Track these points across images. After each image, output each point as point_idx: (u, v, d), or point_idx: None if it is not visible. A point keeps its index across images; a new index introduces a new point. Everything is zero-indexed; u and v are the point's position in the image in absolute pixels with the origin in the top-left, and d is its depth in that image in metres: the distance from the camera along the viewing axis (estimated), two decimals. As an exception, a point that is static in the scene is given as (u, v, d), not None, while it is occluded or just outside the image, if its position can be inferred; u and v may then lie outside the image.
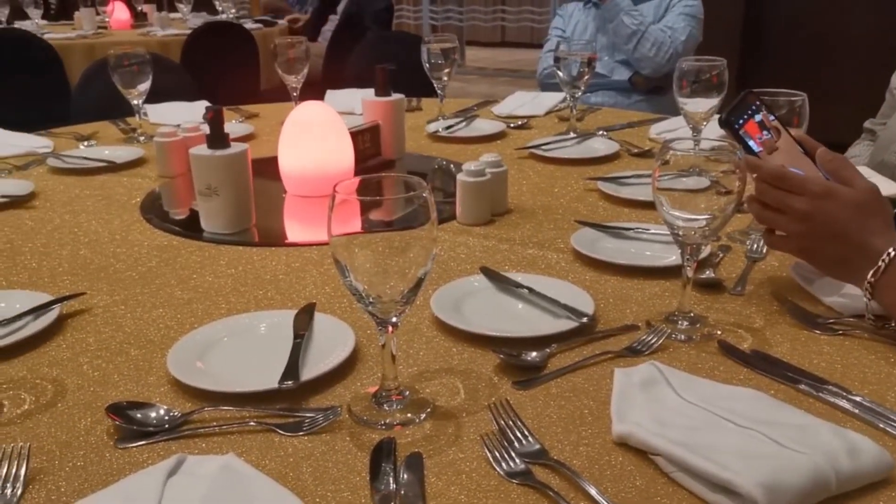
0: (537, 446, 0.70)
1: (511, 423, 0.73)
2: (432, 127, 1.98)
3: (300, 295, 1.05)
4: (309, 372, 0.81)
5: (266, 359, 0.86)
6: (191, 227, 1.32)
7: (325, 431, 0.74)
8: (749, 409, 0.71)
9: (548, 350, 0.86)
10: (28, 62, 3.25)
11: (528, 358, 0.84)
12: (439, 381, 0.83)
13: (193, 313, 1.00)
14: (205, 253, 1.21)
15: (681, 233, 0.88)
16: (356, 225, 0.73)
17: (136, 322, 0.98)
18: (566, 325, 0.90)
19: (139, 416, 0.75)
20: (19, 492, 0.64)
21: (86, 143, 1.88)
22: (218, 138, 1.26)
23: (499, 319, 0.94)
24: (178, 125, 1.65)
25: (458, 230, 1.27)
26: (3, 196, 1.44)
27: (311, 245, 1.24)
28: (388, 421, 0.75)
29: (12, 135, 1.90)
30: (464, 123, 2.01)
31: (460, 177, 1.29)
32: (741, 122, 0.98)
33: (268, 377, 0.80)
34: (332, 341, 0.88)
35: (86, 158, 1.71)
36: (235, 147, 1.27)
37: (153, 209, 1.43)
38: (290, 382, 0.78)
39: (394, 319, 0.75)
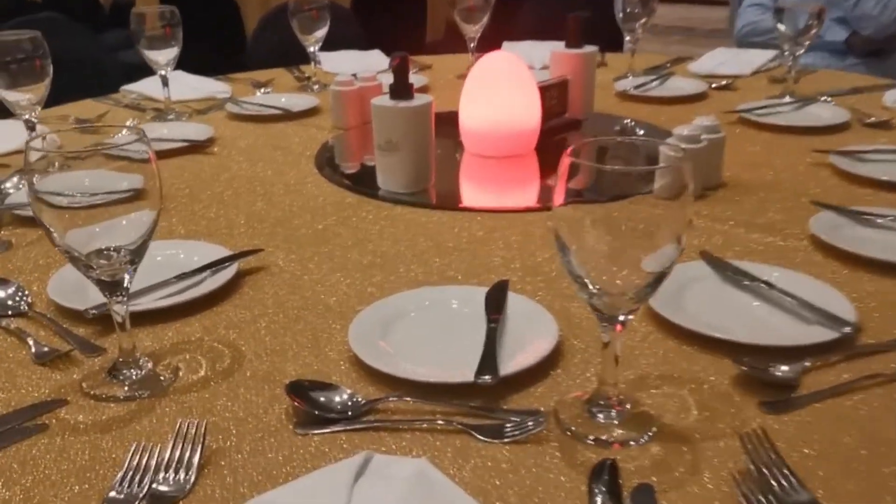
0: (806, 496, 0.55)
1: (769, 459, 0.58)
2: (621, 85, 1.79)
3: (486, 268, 0.93)
4: (508, 365, 0.69)
5: (456, 343, 0.75)
6: (366, 184, 1.24)
7: (531, 441, 0.62)
8: None
9: (802, 365, 0.69)
10: (206, 7, 3.33)
11: (779, 373, 0.68)
12: (663, 392, 0.69)
13: (373, 281, 0.91)
14: (381, 213, 1.12)
15: None
16: (586, 196, 0.60)
17: (314, 286, 0.90)
18: (822, 334, 0.73)
19: (322, 399, 0.66)
20: (192, 478, 0.57)
21: (262, 90, 1.85)
22: (402, 88, 1.16)
23: (732, 319, 0.78)
24: (355, 75, 1.58)
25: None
26: (184, 140, 1.43)
27: (495, 211, 1.12)
28: (604, 437, 0.62)
29: (193, 78, 1.91)
30: (657, 82, 1.82)
31: (670, 142, 1.12)
32: None
33: (460, 366, 0.70)
34: (530, 329, 0.76)
35: (262, 105, 1.67)
36: (419, 99, 1.17)
37: (327, 162, 1.36)
38: (487, 377, 0.66)
39: (621, 318, 0.61)
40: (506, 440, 0.62)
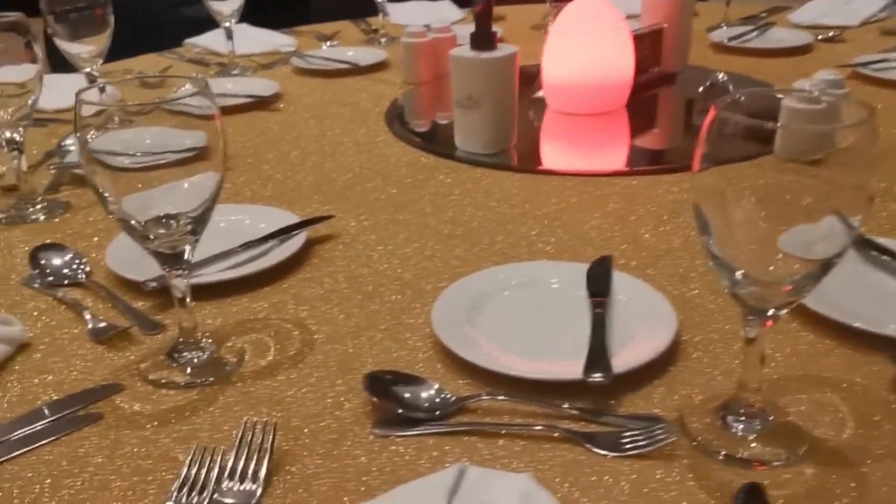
0: None
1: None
2: (717, 35, 1.64)
3: (582, 240, 0.83)
4: (621, 360, 0.59)
5: (556, 330, 0.65)
6: (442, 143, 1.14)
7: (655, 455, 0.52)
8: None
9: (983, 371, 0.57)
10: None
11: (956, 380, 0.57)
12: (809, 399, 0.58)
13: (454, 253, 0.81)
14: (460, 175, 1.02)
15: None
16: (737, 161, 0.49)
17: (389, 258, 0.81)
18: None
19: (406, 395, 0.57)
20: (259, 491, 0.49)
21: (328, 43, 1.76)
22: (485, 38, 1.04)
23: (881, 308, 0.66)
24: (427, 26, 1.47)
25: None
26: (249, 96, 1.35)
27: (587, 175, 1.01)
28: (744, 453, 0.52)
29: (256, 31, 1.83)
30: (755, 33, 1.65)
31: (787, 101, 0.98)
32: None
33: (562, 359, 0.60)
34: (642, 316, 0.65)
35: (328, 59, 1.58)
36: (503, 49, 1.05)
37: (397, 120, 1.26)
38: (600, 376, 0.56)
39: (771, 311, 0.50)
40: (625, 453, 0.52)
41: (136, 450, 0.55)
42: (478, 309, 0.68)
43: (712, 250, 0.50)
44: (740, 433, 0.53)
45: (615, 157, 1.16)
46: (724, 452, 0.52)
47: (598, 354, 0.59)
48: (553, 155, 1.17)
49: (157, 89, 0.70)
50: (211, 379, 0.62)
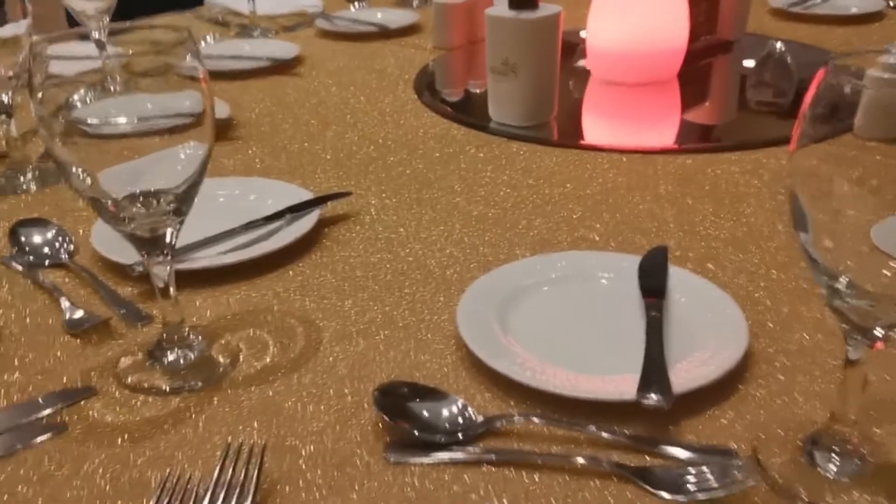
0: None
1: None
2: (777, 1, 1.50)
3: (631, 227, 0.73)
4: (682, 376, 0.49)
5: (603, 336, 0.56)
6: (474, 114, 1.03)
7: (727, 500, 0.43)
8: None
9: None
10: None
11: None
12: (917, 432, 0.47)
13: (485, 238, 0.72)
14: (494, 150, 0.92)
15: None
16: (845, 138, 0.38)
17: (412, 242, 0.72)
18: None
19: (425, 413, 0.48)
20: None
21: (357, 4, 1.65)
22: (525, -5, 0.94)
23: None
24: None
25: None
26: (268, 58, 1.25)
27: (636, 152, 0.90)
28: (836, 502, 0.42)
29: (282, -8, 1.73)
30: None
31: (871, 73, 0.86)
32: None
33: (611, 371, 0.50)
34: (704, 321, 0.55)
35: (356, 21, 1.48)
36: (545, 9, 0.94)
37: (427, 88, 1.16)
38: (657, 398, 0.46)
39: (879, 332, 0.40)
40: (690, 496, 0.42)
41: (101, 469, 0.46)
42: (511, 307, 0.58)
43: (809, 250, 0.40)
44: (832, 475, 0.43)
45: (666, 133, 1.04)
46: (798, 497, 0.42)
47: (654, 370, 0.49)
48: (597, 129, 1.06)
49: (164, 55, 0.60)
50: (198, 383, 0.53)
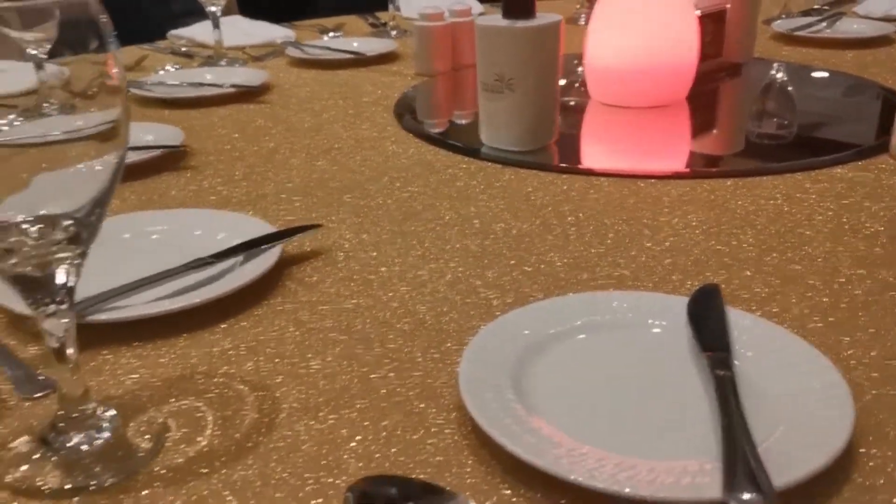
0: None
1: None
2: (781, 25, 1.41)
3: (662, 264, 0.60)
4: (779, 464, 0.35)
5: (653, 403, 0.42)
6: (462, 139, 0.91)
7: None
8: None
9: None
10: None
11: None
12: None
13: (486, 278, 0.58)
14: (488, 178, 0.79)
15: None
16: None
17: (396, 284, 0.58)
18: None
19: (416, 528, 0.34)
20: None
21: (331, 34, 1.54)
22: (521, 3, 0.82)
23: None
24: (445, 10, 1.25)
25: (902, 171, 0.75)
26: (232, 86, 1.13)
27: (653, 177, 0.78)
28: None
29: (251, 23, 1.61)
30: (824, 24, 1.43)
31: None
32: None
33: (671, 456, 0.37)
34: (783, 380, 0.42)
35: (329, 49, 1.36)
36: (543, 17, 0.83)
37: (409, 113, 1.04)
38: (750, 496, 0.33)
39: None
40: None
41: None
42: (527, 366, 0.44)
43: None
44: None
45: (679, 157, 0.92)
46: None
47: (742, 455, 0.35)
48: (604, 154, 0.94)
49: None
50: (107, 479, 0.38)
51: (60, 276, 0.37)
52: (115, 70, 0.36)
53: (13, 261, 0.36)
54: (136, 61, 1.37)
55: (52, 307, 0.38)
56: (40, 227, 0.37)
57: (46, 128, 0.37)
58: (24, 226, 0.37)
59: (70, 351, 0.39)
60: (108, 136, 0.37)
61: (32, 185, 0.36)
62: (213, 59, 1.37)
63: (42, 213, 0.37)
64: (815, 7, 1.60)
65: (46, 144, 0.37)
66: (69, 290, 0.38)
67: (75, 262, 0.37)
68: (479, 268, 0.60)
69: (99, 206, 0.37)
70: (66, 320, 0.38)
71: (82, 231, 0.37)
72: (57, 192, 0.37)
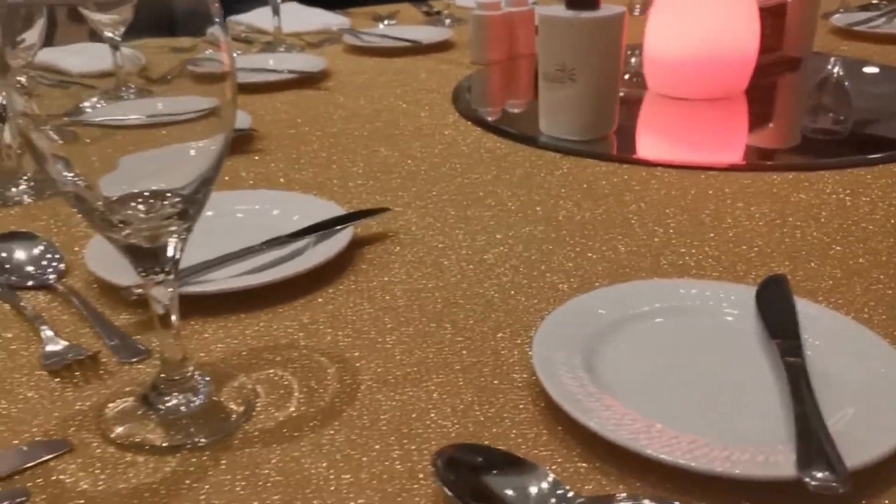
0: None
1: None
2: (840, 19, 1.39)
3: (727, 252, 0.61)
4: (851, 445, 0.37)
5: (722, 385, 0.43)
6: (522, 127, 0.92)
7: None
8: None
9: None
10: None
11: None
12: None
13: (553, 262, 0.60)
14: (548, 166, 0.81)
15: None
16: None
17: (463, 266, 0.60)
18: None
19: (508, 492, 0.36)
20: None
21: (385, 22, 1.57)
22: (585, -6, 0.83)
23: None
24: (501, -1, 1.26)
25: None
26: (292, 71, 1.16)
27: (715, 169, 0.78)
28: None
29: (306, 9, 1.64)
30: (883, 19, 1.41)
31: None
32: None
33: (744, 438, 0.38)
34: (850, 367, 0.43)
35: (385, 37, 1.38)
36: (607, 9, 0.84)
37: (465, 104, 1.05)
38: (827, 476, 0.34)
39: None
40: None
41: (69, 561, 0.35)
42: (599, 348, 0.46)
43: None
44: None
45: (738, 149, 0.93)
46: None
47: (814, 436, 0.36)
48: (662, 145, 0.94)
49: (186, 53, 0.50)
50: (202, 439, 0.41)
51: (168, 249, 0.40)
52: (225, 55, 0.39)
53: (126, 232, 0.39)
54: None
55: (161, 276, 0.40)
56: (150, 202, 0.40)
57: (150, 110, 0.39)
58: (136, 201, 0.40)
59: (174, 317, 0.42)
60: (215, 117, 0.39)
61: (145, 161, 0.39)
62: (272, 45, 1.40)
63: (153, 188, 0.40)
64: (874, 2, 1.58)
65: (154, 126, 0.40)
66: (175, 262, 0.41)
67: (182, 236, 0.40)
68: (544, 253, 0.62)
69: (205, 184, 0.40)
70: (172, 289, 0.41)
71: (189, 207, 0.40)
72: (167, 170, 0.39)
